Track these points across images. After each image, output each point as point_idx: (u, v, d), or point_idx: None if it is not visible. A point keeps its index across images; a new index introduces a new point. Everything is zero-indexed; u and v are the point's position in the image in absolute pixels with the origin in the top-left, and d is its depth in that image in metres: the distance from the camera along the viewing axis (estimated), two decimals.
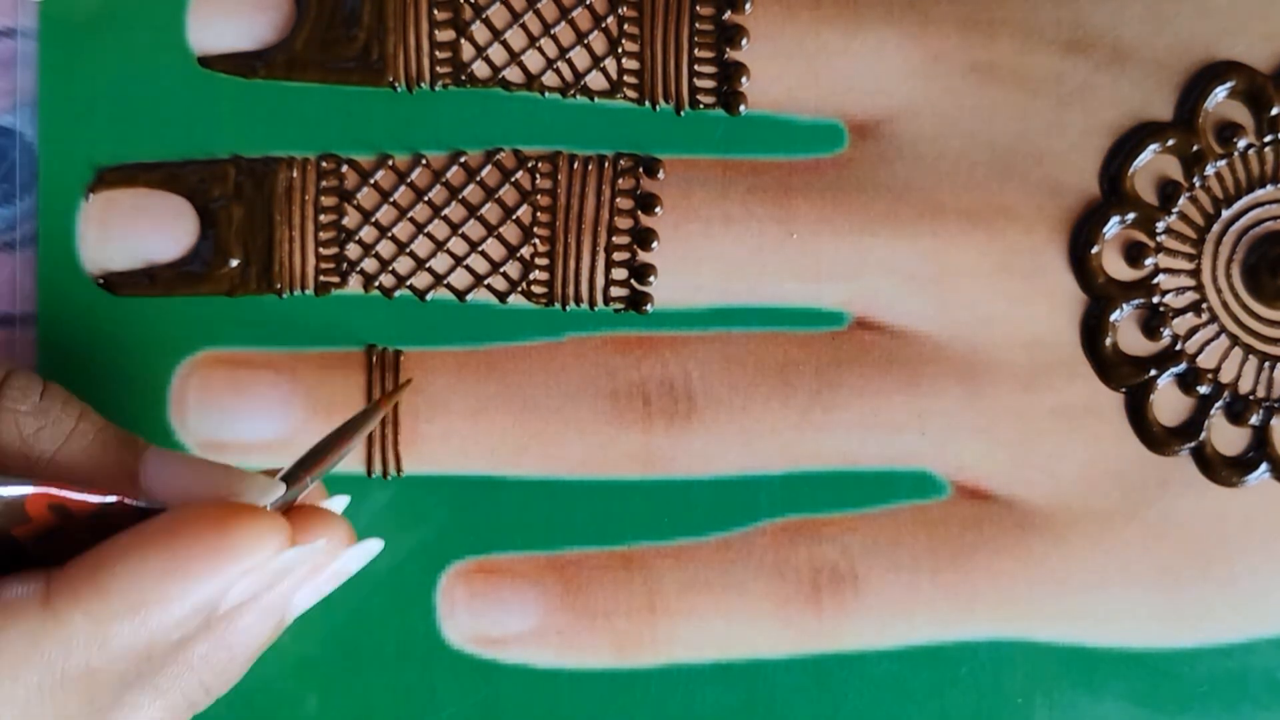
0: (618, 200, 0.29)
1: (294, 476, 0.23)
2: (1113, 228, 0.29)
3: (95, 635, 0.20)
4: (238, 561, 0.21)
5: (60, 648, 0.20)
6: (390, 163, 0.29)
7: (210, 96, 0.29)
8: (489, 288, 0.29)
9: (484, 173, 0.29)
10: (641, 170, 0.29)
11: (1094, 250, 0.29)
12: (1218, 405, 0.29)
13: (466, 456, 0.29)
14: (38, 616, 0.20)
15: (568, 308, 0.29)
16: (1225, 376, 0.29)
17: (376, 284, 0.29)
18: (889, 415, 0.29)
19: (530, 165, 0.29)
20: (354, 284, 0.29)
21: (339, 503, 0.26)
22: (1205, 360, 0.29)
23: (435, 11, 0.29)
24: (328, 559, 0.24)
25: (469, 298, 0.29)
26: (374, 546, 0.25)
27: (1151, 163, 0.29)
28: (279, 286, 0.29)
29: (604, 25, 0.29)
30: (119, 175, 0.29)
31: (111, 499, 0.21)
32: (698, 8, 0.29)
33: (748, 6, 0.29)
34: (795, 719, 0.29)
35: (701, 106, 0.29)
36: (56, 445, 0.22)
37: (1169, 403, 0.29)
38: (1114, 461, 0.29)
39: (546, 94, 0.29)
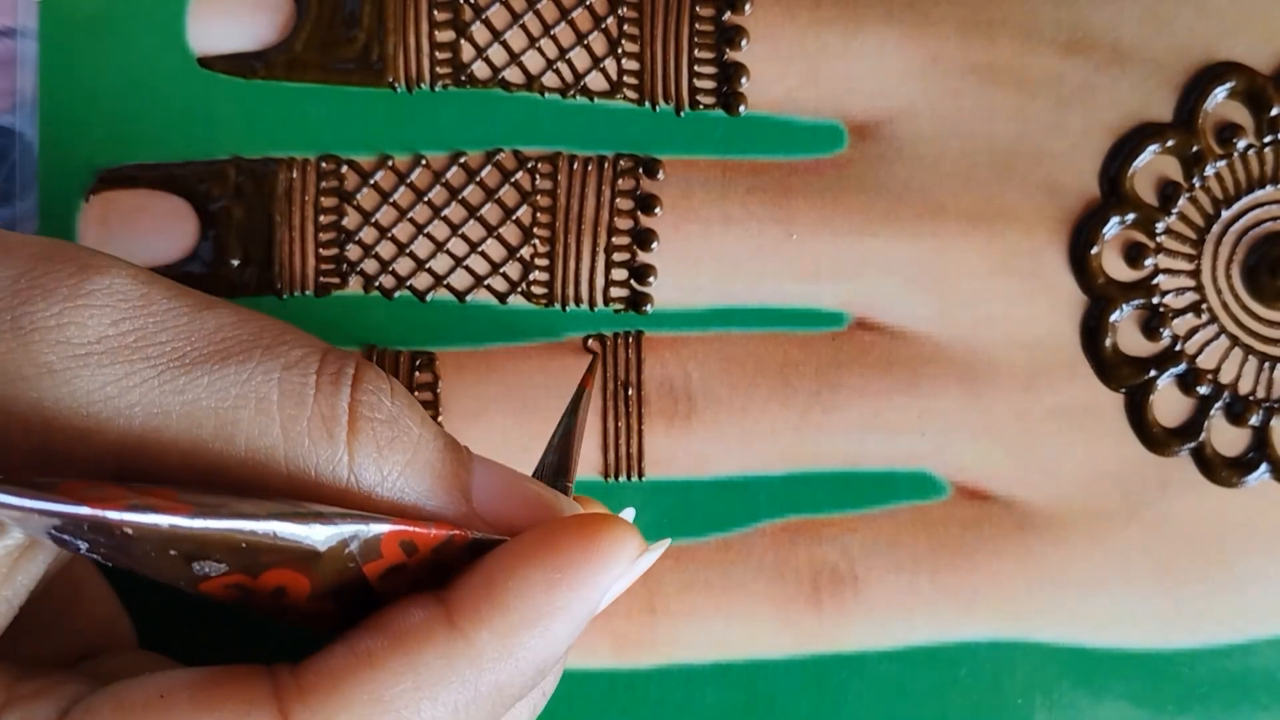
0: (617, 201, 0.29)
1: (561, 487, 0.24)
2: (1113, 228, 0.29)
3: (503, 651, 0.20)
4: (613, 568, 0.21)
5: (472, 667, 0.20)
6: (390, 163, 0.29)
7: (210, 97, 0.29)
8: (489, 288, 0.29)
9: (484, 173, 0.29)
10: (641, 171, 0.29)
11: (1094, 251, 0.29)
12: (1217, 406, 0.29)
13: None
14: (447, 638, 0.20)
15: (567, 308, 0.29)
16: (1225, 377, 0.29)
17: (376, 285, 0.29)
18: (889, 416, 0.29)
19: (530, 166, 0.29)
20: (354, 285, 0.29)
21: (628, 514, 0.26)
22: (1205, 361, 0.29)
23: (435, 12, 0.29)
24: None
25: (469, 298, 0.29)
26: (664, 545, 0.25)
27: (1151, 163, 0.29)
28: (279, 287, 0.29)
29: (604, 26, 0.29)
30: (119, 176, 0.29)
31: (455, 532, 0.21)
32: (698, 8, 0.29)
33: (748, 7, 0.29)
34: (795, 719, 0.29)
35: (701, 107, 0.29)
36: (407, 459, 0.21)
37: (1169, 403, 0.29)
38: (1114, 462, 0.29)
39: (546, 94, 0.29)
